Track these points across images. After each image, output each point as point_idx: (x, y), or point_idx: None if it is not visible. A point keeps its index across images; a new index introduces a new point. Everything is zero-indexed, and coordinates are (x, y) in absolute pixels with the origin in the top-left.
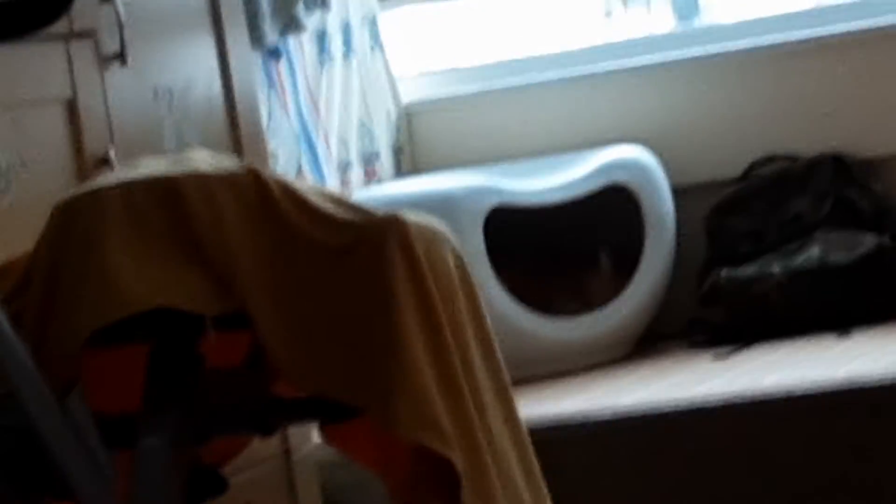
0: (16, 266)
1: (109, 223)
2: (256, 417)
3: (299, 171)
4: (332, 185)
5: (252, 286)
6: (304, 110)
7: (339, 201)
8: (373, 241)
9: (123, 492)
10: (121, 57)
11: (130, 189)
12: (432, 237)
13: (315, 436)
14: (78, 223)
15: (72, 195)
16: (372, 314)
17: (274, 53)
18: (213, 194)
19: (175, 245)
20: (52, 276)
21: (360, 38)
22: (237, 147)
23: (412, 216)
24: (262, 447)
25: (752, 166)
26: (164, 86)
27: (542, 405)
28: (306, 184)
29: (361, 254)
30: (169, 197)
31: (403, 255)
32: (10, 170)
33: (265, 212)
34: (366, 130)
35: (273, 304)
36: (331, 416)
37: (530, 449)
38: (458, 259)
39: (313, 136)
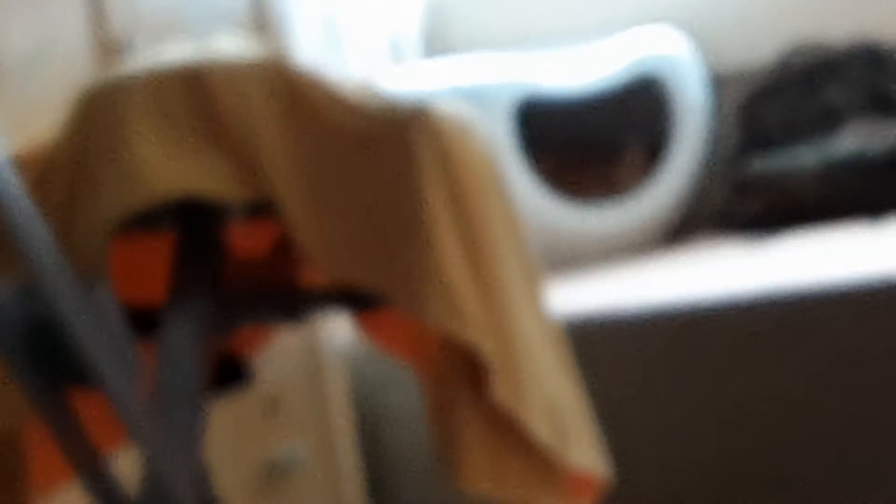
0: (39, 156)
1: (134, 112)
2: (283, 305)
3: (324, 57)
4: (359, 65)
5: (280, 174)
6: None
7: (365, 92)
8: (401, 131)
9: (149, 382)
10: None
11: (155, 78)
12: (461, 128)
13: (343, 330)
14: (102, 112)
15: (95, 84)
16: (401, 204)
17: None
18: (239, 83)
19: (201, 133)
20: (76, 166)
21: None
22: (261, 36)
23: (441, 107)
24: (288, 340)
25: (786, 55)
26: None
27: (573, 296)
28: (331, 74)
29: (390, 144)
30: (194, 85)
31: (432, 145)
32: (31, 59)
33: (292, 101)
34: (393, 15)
35: (301, 192)
36: (359, 304)
37: (561, 341)
38: (488, 150)
39: (338, 21)
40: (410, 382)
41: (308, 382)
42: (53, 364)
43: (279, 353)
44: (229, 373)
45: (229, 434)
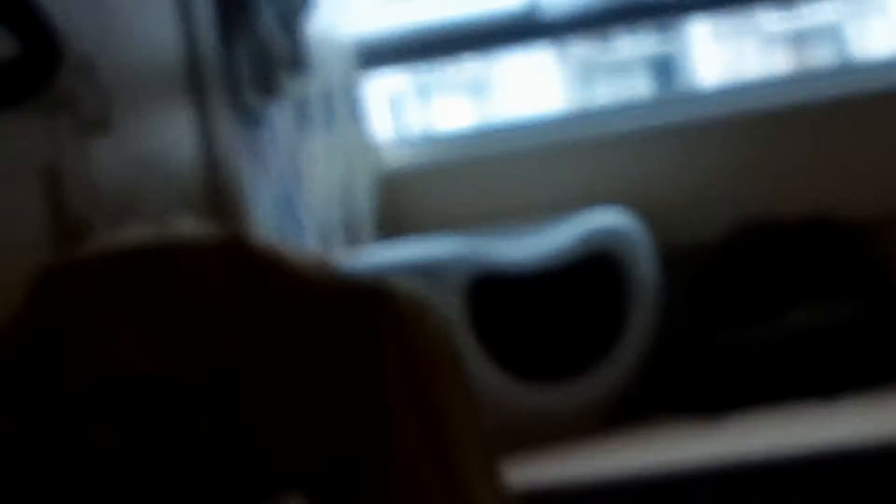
0: None
1: (91, 292)
2: (244, 491)
3: (281, 236)
4: (314, 249)
5: (237, 361)
6: (285, 176)
7: (324, 269)
8: (360, 310)
9: None
10: (102, 125)
11: (113, 257)
12: (420, 307)
13: None
14: (58, 292)
15: (52, 264)
16: (360, 385)
17: (254, 119)
18: (197, 263)
19: (161, 314)
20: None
21: (341, 104)
22: (219, 213)
23: (399, 285)
24: None
25: (737, 230)
26: (145, 152)
27: (527, 472)
28: (291, 252)
29: (349, 321)
30: (155, 265)
31: (393, 326)
32: None
33: (250, 281)
34: (347, 196)
35: (256, 376)
36: (319, 489)
37: None
38: (444, 328)
39: (295, 201)
40: None
41: None
42: None
43: None
44: None
45: None
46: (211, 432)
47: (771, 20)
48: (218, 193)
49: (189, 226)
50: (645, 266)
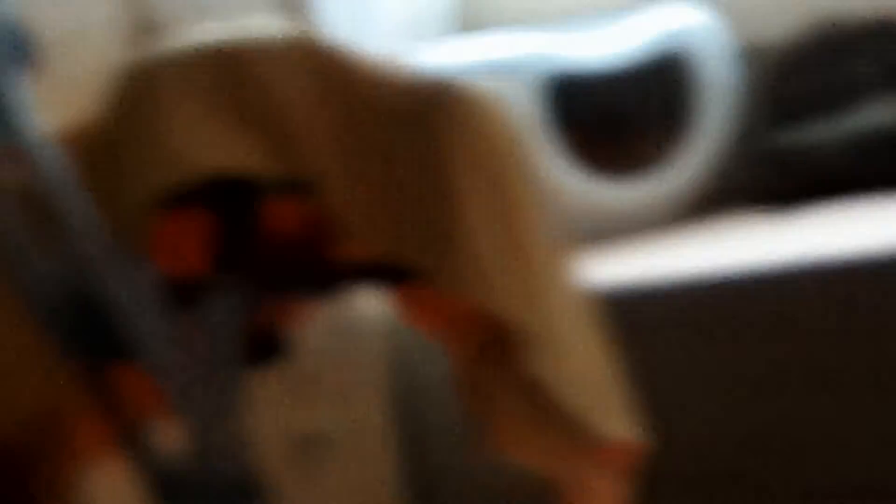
0: (79, 135)
1: (170, 91)
2: (318, 280)
3: (352, 31)
4: (385, 46)
5: (315, 150)
6: None
7: (396, 67)
8: (432, 106)
9: (189, 354)
10: None
11: (190, 57)
12: (489, 103)
13: (379, 301)
14: (139, 91)
15: (132, 63)
16: (432, 179)
17: None
18: (273, 61)
19: (236, 111)
20: (115, 144)
21: None
22: (289, 9)
23: (467, 83)
24: (325, 315)
25: (810, 29)
26: None
27: (599, 268)
28: (361, 50)
29: (420, 119)
30: (229, 64)
31: (461, 120)
32: (64, 39)
33: (324, 77)
34: None
35: (335, 168)
36: (392, 279)
37: (590, 312)
38: (514, 125)
39: (366, 1)
40: (444, 354)
41: (344, 356)
42: (95, 338)
43: (315, 326)
44: (268, 347)
45: (267, 406)
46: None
47: None
48: None
49: (263, 24)
50: (718, 63)
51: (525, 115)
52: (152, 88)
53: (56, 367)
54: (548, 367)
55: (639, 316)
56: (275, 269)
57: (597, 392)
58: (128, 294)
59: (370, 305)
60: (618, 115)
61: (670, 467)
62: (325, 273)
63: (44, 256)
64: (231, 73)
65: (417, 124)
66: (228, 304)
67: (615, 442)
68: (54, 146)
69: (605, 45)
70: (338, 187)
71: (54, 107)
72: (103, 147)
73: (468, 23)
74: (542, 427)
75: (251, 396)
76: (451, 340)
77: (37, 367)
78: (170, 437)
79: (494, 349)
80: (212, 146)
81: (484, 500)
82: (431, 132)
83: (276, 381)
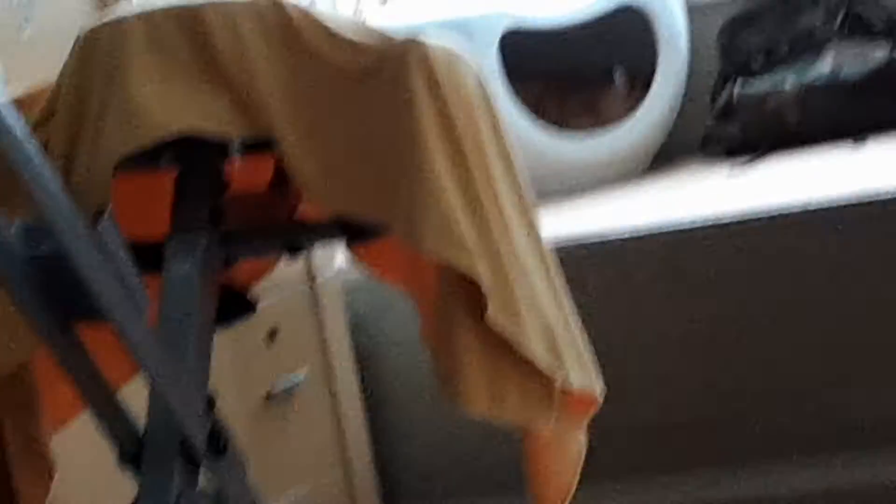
0: (40, 96)
1: (132, 51)
2: (282, 239)
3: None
4: (347, 4)
5: (277, 109)
6: None
7: (358, 27)
8: (394, 63)
9: (154, 316)
10: None
11: (153, 17)
12: (452, 59)
13: (339, 260)
14: (101, 52)
15: (94, 25)
16: (395, 135)
17: None
18: (235, 21)
19: (199, 72)
20: (77, 105)
21: None
22: None
23: (430, 39)
24: (286, 272)
25: None
26: None
27: (560, 222)
28: (324, 11)
29: (383, 76)
30: (191, 24)
31: (425, 76)
32: (29, 1)
33: (287, 37)
34: None
35: (298, 127)
36: (355, 235)
37: (553, 264)
38: (478, 80)
39: None
40: (406, 308)
41: (305, 310)
42: (61, 299)
43: (276, 282)
44: (231, 304)
45: (229, 363)
46: (249, 185)
47: None
48: None
49: None
50: (674, 18)
51: (485, 69)
52: (114, 50)
53: (22, 328)
54: (511, 319)
55: (598, 266)
56: (241, 227)
57: (560, 343)
58: (94, 254)
59: (330, 259)
60: (574, 69)
61: (628, 417)
62: (291, 231)
63: (7, 219)
64: (193, 33)
65: (382, 81)
66: (194, 263)
67: (579, 393)
68: (14, 109)
69: (563, 1)
70: (297, 146)
71: (17, 70)
72: (67, 108)
73: None
74: (506, 377)
75: (216, 355)
76: (415, 291)
77: (3, 328)
78: (139, 397)
79: (459, 299)
80: (176, 107)
81: (447, 458)
82: (396, 88)
83: (239, 336)
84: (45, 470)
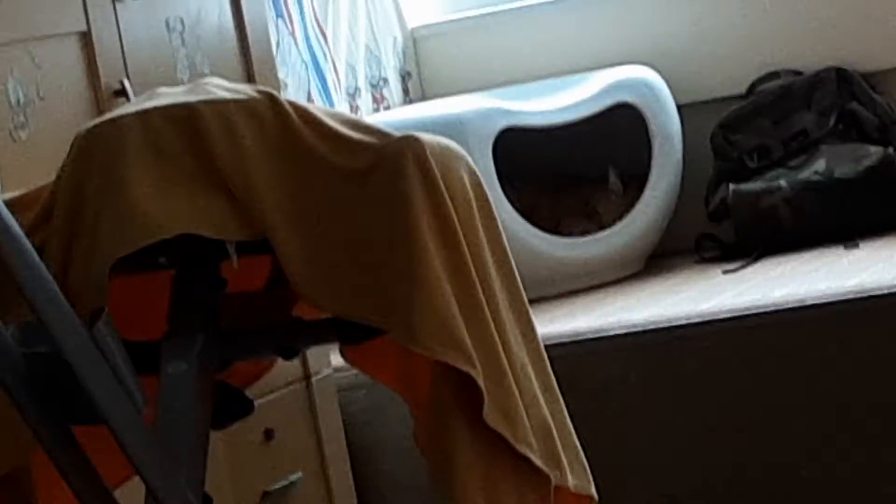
0: (37, 197)
1: (130, 151)
2: (278, 340)
3: (309, 98)
4: (343, 104)
5: (272, 211)
6: (312, 37)
7: (354, 123)
8: (390, 161)
9: (151, 416)
10: None
11: (149, 117)
12: (448, 156)
13: (334, 360)
14: (99, 152)
15: (91, 125)
16: (391, 234)
17: None
18: (231, 120)
19: (195, 172)
20: (74, 206)
21: None
22: (248, 76)
23: (427, 136)
24: (282, 372)
25: (756, 83)
26: (175, 16)
27: (555, 323)
28: (320, 107)
29: (379, 175)
30: (187, 124)
31: (421, 174)
32: (27, 103)
33: (283, 136)
34: (373, 56)
35: (293, 228)
36: (351, 337)
37: (548, 364)
38: (474, 177)
39: (322, 63)
40: (401, 407)
41: (301, 410)
42: (58, 400)
43: (272, 383)
44: (229, 402)
45: (226, 464)
46: (246, 286)
47: None
48: (247, 56)
49: (220, 85)
50: (668, 118)
51: (479, 167)
52: (112, 150)
53: (20, 430)
54: (507, 418)
55: (592, 366)
56: (237, 327)
57: (555, 442)
58: (90, 355)
59: (324, 360)
60: (569, 168)
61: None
62: (284, 332)
63: (5, 321)
64: (189, 133)
65: (377, 179)
66: (190, 362)
67: (572, 493)
68: (9, 210)
69: (556, 100)
70: (292, 247)
71: (20, 170)
72: (64, 209)
73: (423, 91)
74: (502, 477)
75: (211, 454)
76: (409, 392)
77: (2, 430)
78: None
79: (454, 399)
80: (176, 210)
81: None
82: (391, 186)
83: (236, 437)
84: None
